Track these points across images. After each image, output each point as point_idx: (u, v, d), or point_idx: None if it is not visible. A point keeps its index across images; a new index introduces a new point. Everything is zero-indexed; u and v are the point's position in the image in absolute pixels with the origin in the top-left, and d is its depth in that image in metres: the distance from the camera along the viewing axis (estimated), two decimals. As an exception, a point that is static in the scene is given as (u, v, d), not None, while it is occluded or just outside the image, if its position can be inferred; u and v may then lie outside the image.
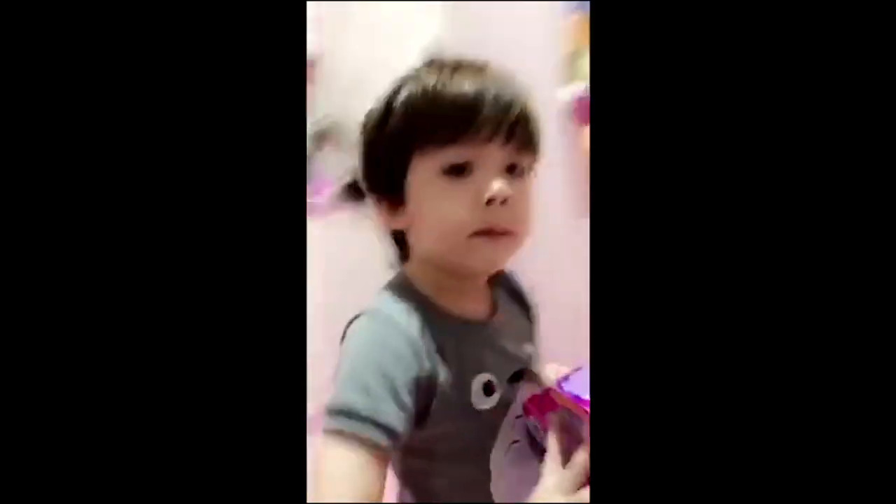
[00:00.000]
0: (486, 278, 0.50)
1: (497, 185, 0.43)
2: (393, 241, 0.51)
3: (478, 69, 0.45)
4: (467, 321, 0.47)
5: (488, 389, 0.45)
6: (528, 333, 0.54)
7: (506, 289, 0.54)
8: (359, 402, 0.39)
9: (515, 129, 0.44)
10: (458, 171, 0.43)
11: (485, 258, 0.45)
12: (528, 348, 0.51)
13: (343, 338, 0.44)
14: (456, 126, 0.42)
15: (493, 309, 0.50)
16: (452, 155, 0.43)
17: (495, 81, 0.44)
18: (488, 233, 0.43)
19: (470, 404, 0.44)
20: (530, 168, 0.47)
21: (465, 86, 0.43)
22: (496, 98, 0.43)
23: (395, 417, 0.39)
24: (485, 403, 0.45)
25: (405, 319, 0.43)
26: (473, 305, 0.48)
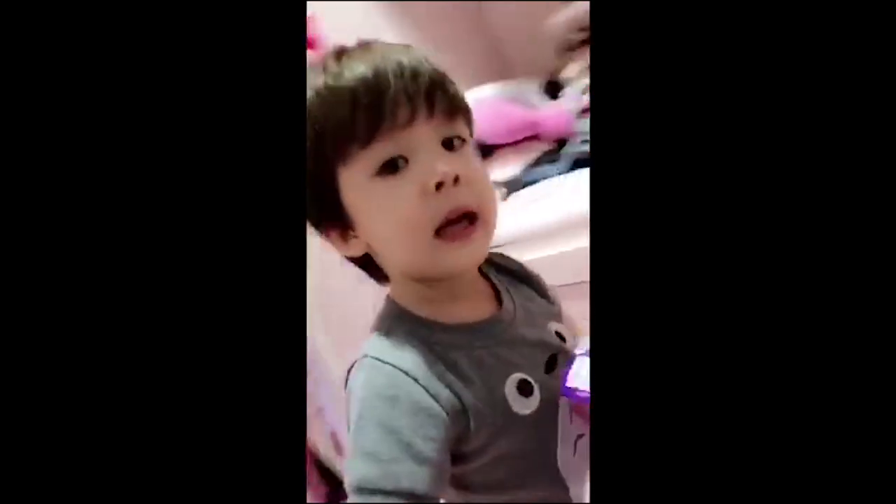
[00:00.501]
0: (475, 272, 0.43)
1: (440, 166, 0.35)
2: (363, 269, 0.43)
3: (365, 48, 0.38)
4: (471, 325, 0.40)
5: (524, 389, 0.38)
6: (548, 311, 0.46)
7: (503, 272, 0.46)
8: (370, 473, 0.33)
9: (434, 98, 0.36)
10: (391, 167, 0.36)
11: (459, 255, 0.38)
12: (553, 327, 0.44)
13: (346, 386, 0.38)
14: (366, 117, 0.35)
15: (498, 301, 0.43)
16: (378, 151, 0.36)
17: (389, 54, 0.37)
18: (451, 224, 0.36)
19: (511, 412, 0.38)
20: (469, 136, 0.40)
21: (359, 69, 0.36)
22: (399, 70, 0.36)
23: (412, 476, 0.33)
24: (526, 407, 0.38)
25: (401, 355, 0.36)
26: (472, 306, 0.42)
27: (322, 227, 0.40)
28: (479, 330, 0.40)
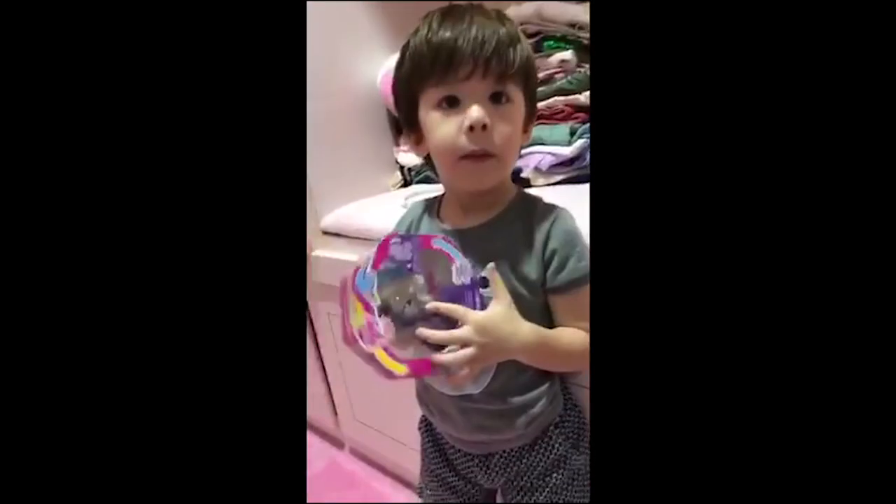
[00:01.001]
0: (494, 198, 0.59)
1: (475, 114, 0.51)
2: (430, 168, 0.62)
3: (461, 14, 0.53)
4: (451, 230, 0.60)
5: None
6: (512, 252, 0.57)
7: (519, 212, 0.59)
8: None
9: (490, 64, 0.51)
10: (449, 103, 0.53)
11: (471, 178, 0.56)
12: (493, 264, 0.56)
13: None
14: (442, 68, 0.52)
15: (486, 223, 0.58)
16: (442, 91, 0.53)
17: (475, 23, 0.51)
18: (472, 156, 0.53)
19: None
20: (520, 92, 0.55)
21: (447, 33, 0.52)
22: (472, 40, 0.51)
23: None
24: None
25: (409, 215, 0.66)
26: (467, 218, 0.59)
27: (405, 129, 0.60)
28: (451, 233, 0.60)
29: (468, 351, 0.50)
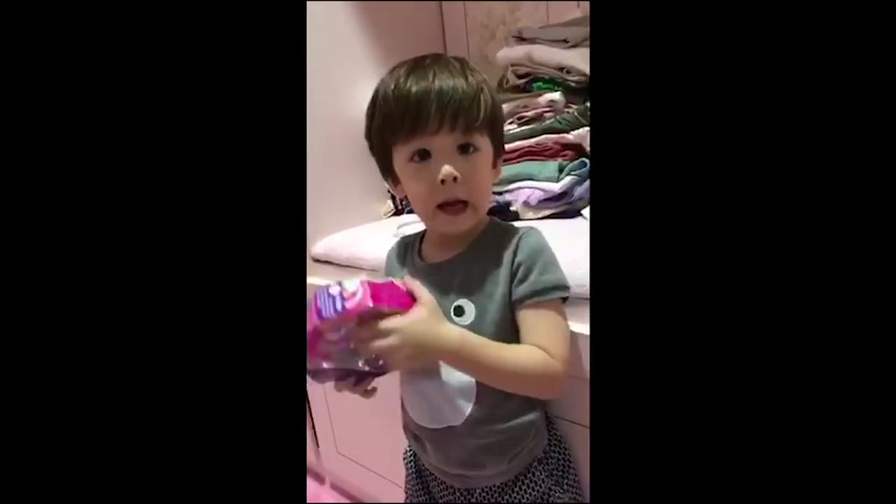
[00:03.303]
0: (469, 232, 0.61)
1: (446, 170, 0.55)
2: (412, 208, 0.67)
3: (426, 70, 0.56)
4: (427, 264, 0.64)
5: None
6: (485, 276, 0.59)
7: (490, 239, 0.62)
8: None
9: (456, 120, 0.55)
10: (420, 156, 0.57)
11: (448, 225, 0.59)
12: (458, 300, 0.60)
13: None
14: (410, 124, 0.55)
15: (461, 254, 0.61)
16: (413, 145, 0.56)
17: (438, 79, 0.55)
18: (446, 204, 0.57)
19: None
20: (486, 138, 0.58)
21: (414, 88, 0.55)
22: (438, 95, 0.54)
23: None
24: None
25: (393, 253, 0.70)
26: (443, 252, 0.62)
27: (386, 177, 0.65)
28: (426, 267, 0.64)
29: (390, 339, 0.51)
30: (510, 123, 1.01)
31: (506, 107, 1.01)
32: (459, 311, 0.59)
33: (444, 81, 0.55)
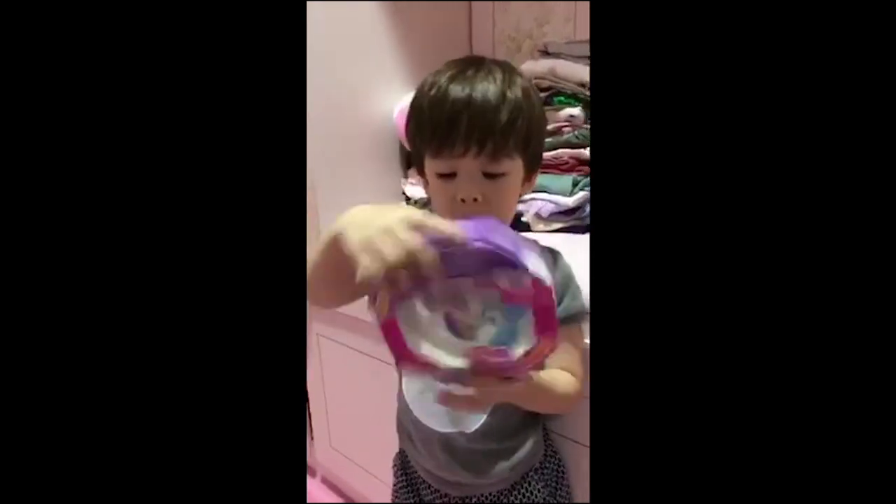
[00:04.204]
0: None
1: (466, 190, 0.54)
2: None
3: (468, 79, 0.53)
4: None
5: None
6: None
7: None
8: None
9: (485, 145, 0.53)
10: (446, 175, 0.55)
11: None
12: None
13: None
14: (438, 143, 0.54)
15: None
16: (441, 165, 0.55)
17: (477, 92, 0.52)
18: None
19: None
20: (518, 159, 0.56)
21: (447, 102, 0.53)
22: (470, 116, 0.52)
23: None
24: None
25: None
26: None
27: (420, 171, 0.62)
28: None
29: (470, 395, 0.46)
30: (529, 135, 1.02)
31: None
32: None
33: (480, 99, 0.52)
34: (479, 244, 0.36)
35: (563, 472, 0.66)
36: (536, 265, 0.37)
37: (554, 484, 0.64)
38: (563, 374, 0.57)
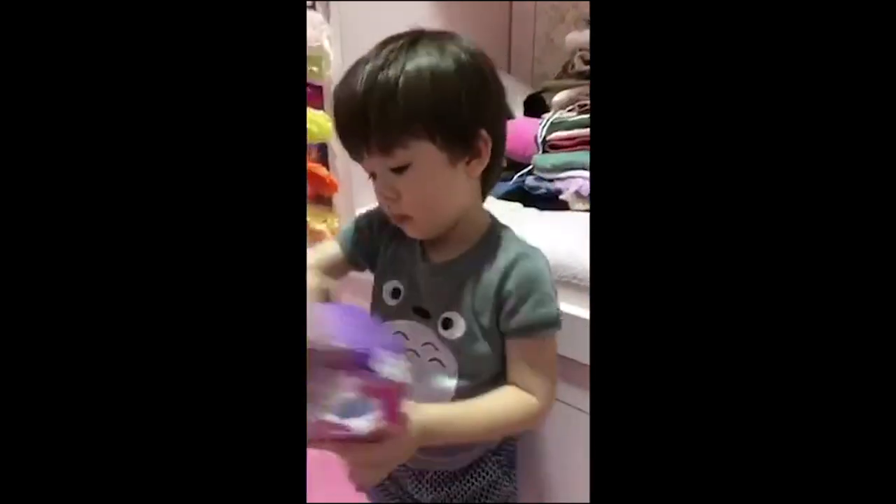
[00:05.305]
0: (461, 234, 0.59)
1: (380, 191, 0.55)
2: None
3: (355, 77, 0.50)
4: (427, 260, 0.61)
5: (395, 294, 0.62)
6: (472, 291, 0.57)
7: (486, 249, 0.58)
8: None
9: (370, 144, 0.51)
10: (372, 175, 0.56)
11: (407, 232, 0.58)
12: (449, 293, 0.58)
13: None
14: (346, 149, 0.55)
15: (455, 260, 0.59)
16: (363, 167, 0.56)
17: (364, 86, 0.49)
18: (396, 217, 0.57)
19: (381, 299, 0.63)
20: (427, 143, 0.51)
21: (341, 105, 0.52)
22: (351, 118, 0.51)
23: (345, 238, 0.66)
24: (391, 302, 0.62)
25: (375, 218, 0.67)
26: (441, 252, 0.60)
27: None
28: (425, 263, 0.61)
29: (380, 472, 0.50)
30: (570, 110, 0.98)
31: (568, 93, 0.98)
32: (448, 324, 0.57)
33: (360, 94, 0.48)
34: (337, 343, 0.41)
35: (514, 455, 0.68)
36: (389, 363, 0.42)
37: (507, 465, 0.66)
38: (508, 400, 0.54)
